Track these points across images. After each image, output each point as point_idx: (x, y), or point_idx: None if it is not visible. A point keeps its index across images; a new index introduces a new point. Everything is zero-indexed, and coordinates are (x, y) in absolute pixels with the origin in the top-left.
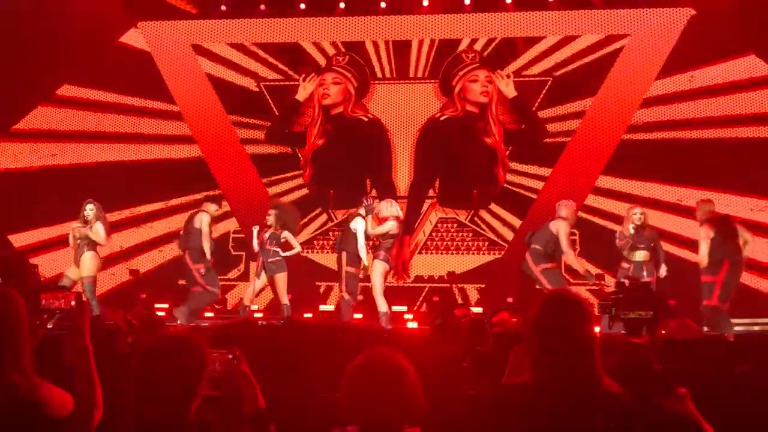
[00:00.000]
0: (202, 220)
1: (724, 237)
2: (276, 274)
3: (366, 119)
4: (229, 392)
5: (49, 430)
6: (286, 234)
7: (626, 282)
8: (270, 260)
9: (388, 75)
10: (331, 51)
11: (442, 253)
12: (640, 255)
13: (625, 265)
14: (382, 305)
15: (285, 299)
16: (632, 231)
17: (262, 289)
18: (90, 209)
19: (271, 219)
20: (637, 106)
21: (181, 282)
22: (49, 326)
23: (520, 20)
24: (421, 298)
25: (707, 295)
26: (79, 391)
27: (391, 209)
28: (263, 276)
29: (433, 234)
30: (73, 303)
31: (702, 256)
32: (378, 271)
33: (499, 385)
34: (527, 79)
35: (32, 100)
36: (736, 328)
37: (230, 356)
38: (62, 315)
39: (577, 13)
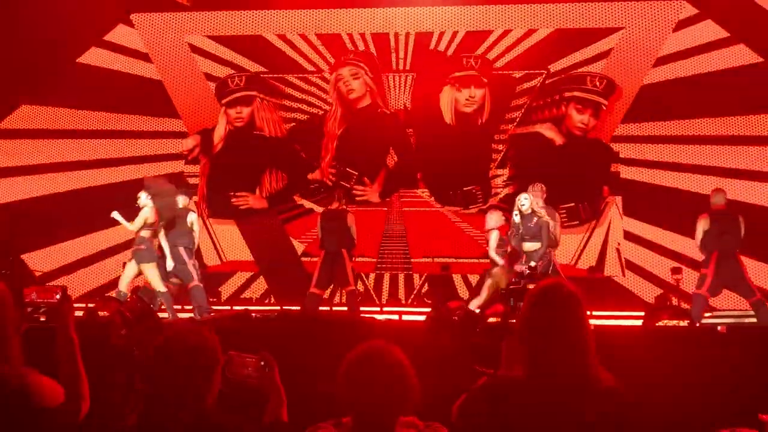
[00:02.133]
0: (194, 218)
1: (719, 231)
2: (141, 263)
3: (388, 112)
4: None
5: (40, 419)
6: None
7: (525, 272)
8: (136, 247)
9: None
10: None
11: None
12: (528, 246)
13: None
14: None
15: (160, 287)
16: (517, 220)
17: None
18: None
19: (140, 202)
20: (631, 98)
21: (174, 281)
22: (42, 320)
23: (513, 12)
24: (415, 291)
25: (699, 285)
26: (65, 383)
27: (494, 220)
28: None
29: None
30: (57, 296)
31: (696, 241)
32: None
33: (492, 378)
34: (521, 72)
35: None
36: (729, 321)
37: (261, 363)
38: (47, 308)
39: (571, 5)
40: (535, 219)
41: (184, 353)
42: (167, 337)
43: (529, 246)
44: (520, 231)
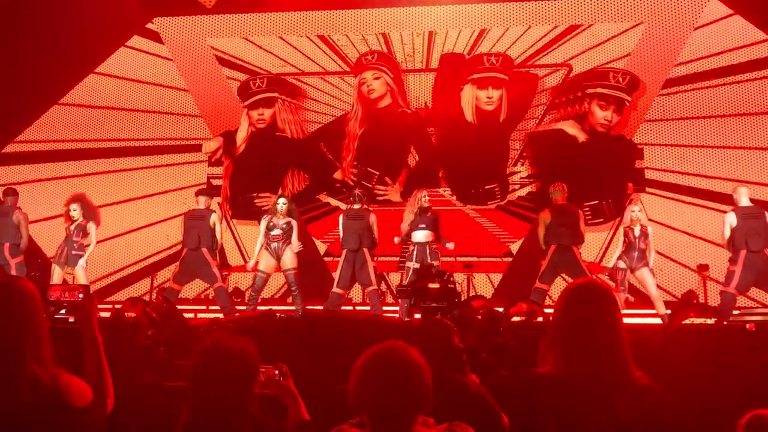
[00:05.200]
0: (216, 218)
1: (747, 228)
2: (77, 267)
3: (409, 111)
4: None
5: (71, 419)
6: (90, 226)
7: (418, 268)
8: (74, 252)
9: (411, 66)
10: (345, 42)
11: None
12: (419, 235)
13: (411, 247)
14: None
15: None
16: (413, 216)
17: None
18: (283, 203)
19: (75, 213)
20: (656, 92)
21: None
22: (71, 320)
23: (536, 9)
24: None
25: (727, 282)
26: (90, 381)
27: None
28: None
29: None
30: (80, 296)
31: (723, 238)
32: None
33: (524, 376)
34: (544, 67)
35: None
36: (758, 318)
37: (276, 372)
38: (70, 307)
39: (593, 1)
40: (431, 213)
41: (227, 359)
42: (211, 343)
43: (420, 235)
44: (415, 220)
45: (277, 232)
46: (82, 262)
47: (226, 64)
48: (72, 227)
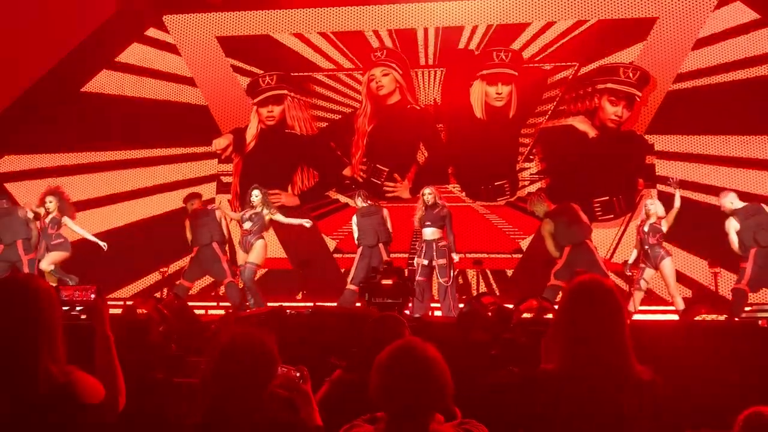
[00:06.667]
0: (221, 215)
1: (752, 226)
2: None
3: (419, 108)
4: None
5: (83, 416)
6: (65, 220)
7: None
8: (53, 243)
9: (422, 63)
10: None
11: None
12: (428, 233)
13: (420, 244)
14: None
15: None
16: (420, 213)
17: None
18: (255, 195)
19: (51, 205)
20: (667, 87)
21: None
22: (83, 317)
23: (546, 4)
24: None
25: (739, 279)
26: (102, 379)
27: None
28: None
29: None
30: (92, 295)
31: (733, 245)
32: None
33: (528, 373)
34: (553, 64)
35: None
36: None
37: (297, 374)
38: (83, 307)
39: None
40: (438, 209)
41: (249, 353)
42: (233, 337)
43: (427, 232)
44: (422, 217)
45: (247, 225)
46: (54, 256)
47: (235, 61)
48: (47, 220)
